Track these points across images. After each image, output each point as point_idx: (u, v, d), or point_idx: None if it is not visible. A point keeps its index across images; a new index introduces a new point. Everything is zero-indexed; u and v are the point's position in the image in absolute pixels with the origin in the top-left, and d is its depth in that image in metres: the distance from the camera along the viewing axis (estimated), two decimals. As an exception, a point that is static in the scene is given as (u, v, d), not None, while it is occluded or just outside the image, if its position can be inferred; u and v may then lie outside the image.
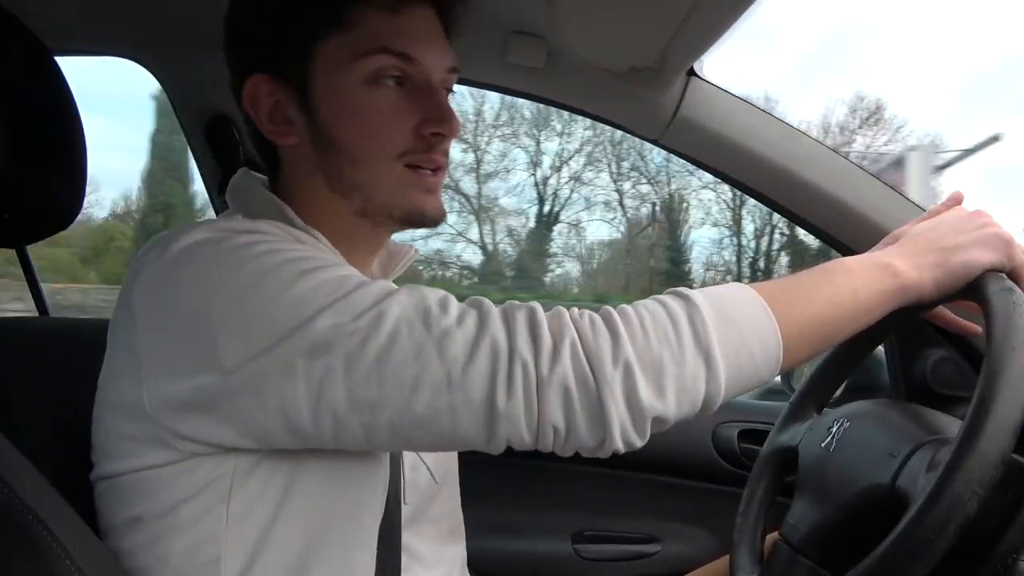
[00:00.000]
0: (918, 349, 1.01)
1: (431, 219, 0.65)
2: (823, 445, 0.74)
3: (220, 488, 0.55)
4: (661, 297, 0.54)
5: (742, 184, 1.05)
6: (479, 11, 0.90)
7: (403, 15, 0.62)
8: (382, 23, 0.61)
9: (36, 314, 0.94)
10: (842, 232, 1.02)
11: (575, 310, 0.53)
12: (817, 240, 1.09)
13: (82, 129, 0.79)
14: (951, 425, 0.68)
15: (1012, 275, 0.62)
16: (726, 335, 0.52)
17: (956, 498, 0.50)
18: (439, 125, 0.63)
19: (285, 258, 0.53)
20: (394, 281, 0.79)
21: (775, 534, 0.79)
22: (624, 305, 0.53)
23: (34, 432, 0.63)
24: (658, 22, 0.83)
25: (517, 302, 0.53)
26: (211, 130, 1.16)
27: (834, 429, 0.74)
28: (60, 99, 0.77)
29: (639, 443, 0.51)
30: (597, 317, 0.52)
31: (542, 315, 0.51)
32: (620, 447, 0.50)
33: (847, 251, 1.02)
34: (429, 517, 0.72)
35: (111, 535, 0.58)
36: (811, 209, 1.02)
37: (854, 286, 0.58)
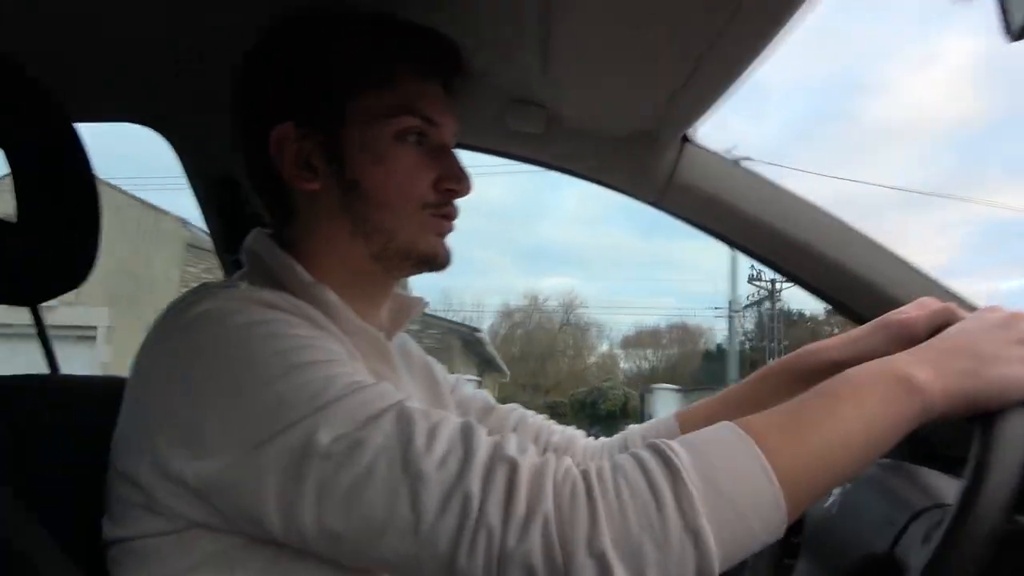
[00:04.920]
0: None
1: (443, 262, 0.70)
2: (826, 506, 0.73)
3: (222, 561, 0.54)
4: (644, 460, 0.48)
5: (742, 246, 1.07)
6: (481, 80, 0.93)
7: (429, 83, 0.69)
8: (413, 88, 0.68)
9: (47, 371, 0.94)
10: (842, 293, 1.03)
11: (561, 470, 0.48)
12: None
13: (97, 192, 0.81)
14: (951, 489, 0.67)
15: None
16: (719, 513, 0.46)
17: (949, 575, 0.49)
18: (455, 183, 0.69)
19: (276, 348, 0.53)
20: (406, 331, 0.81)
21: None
22: (606, 468, 0.48)
23: (47, 491, 0.62)
24: (653, 90, 0.87)
25: (509, 449, 0.49)
26: (219, 192, 1.19)
27: (836, 490, 0.73)
28: (77, 163, 0.80)
29: None
30: (579, 486, 0.47)
31: (524, 475, 0.47)
32: None
33: (847, 312, 1.03)
34: None
35: None
36: (811, 271, 1.04)
37: (867, 412, 0.50)
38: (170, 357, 0.55)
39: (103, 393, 0.60)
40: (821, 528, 0.74)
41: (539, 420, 0.89)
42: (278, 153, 0.66)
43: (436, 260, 0.70)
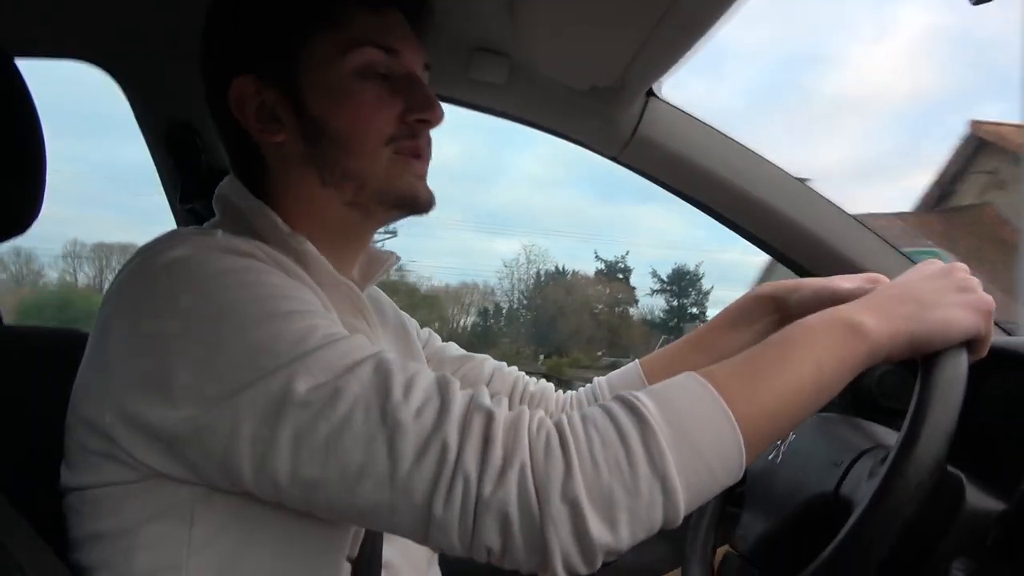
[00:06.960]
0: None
1: (423, 203, 0.67)
2: (769, 458, 0.76)
3: (182, 511, 0.54)
4: (613, 410, 0.50)
5: (699, 203, 1.08)
6: (443, 28, 0.91)
7: (384, 14, 0.65)
8: (366, 20, 0.64)
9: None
10: (796, 252, 1.05)
11: (535, 421, 0.50)
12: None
13: (41, 133, 0.78)
14: (890, 436, 0.70)
15: (976, 343, 0.58)
16: (685, 458, 0.48)
17: (896, 501, 0.52)
18: (423, 111, 0.65)
19: (254, 295, 0.52)
20: (379, 286, 0.80)
21: (726, 547, 0.81)
22: (576, 420, 0.50)
23: None
24: (619, 42, 0.86)
25: (484, 400, 0.50)
26: (172, 137, 1.15)
27: (779, 442, 0.76)
28: (19, 102, 0.76)
29: (585, 571, 0.48)
30: (554, 437, 0.48)
31: (500, 425, 0.48)
32: (562, 575, 0.48)
33: (802, 272, 1.05)
34: None
35: (76, 549, 0.57)
36: (767, 229, 1.05)
37: (817, 357, 0.53)
38: (141, 303, 0.53)
39: (48, 344, 0.59)
40: (764, 477, 0.76)
41: (514, 371, 0.90)
42: (239, 107, 0.64)
43: (417, 201, 0.66)
